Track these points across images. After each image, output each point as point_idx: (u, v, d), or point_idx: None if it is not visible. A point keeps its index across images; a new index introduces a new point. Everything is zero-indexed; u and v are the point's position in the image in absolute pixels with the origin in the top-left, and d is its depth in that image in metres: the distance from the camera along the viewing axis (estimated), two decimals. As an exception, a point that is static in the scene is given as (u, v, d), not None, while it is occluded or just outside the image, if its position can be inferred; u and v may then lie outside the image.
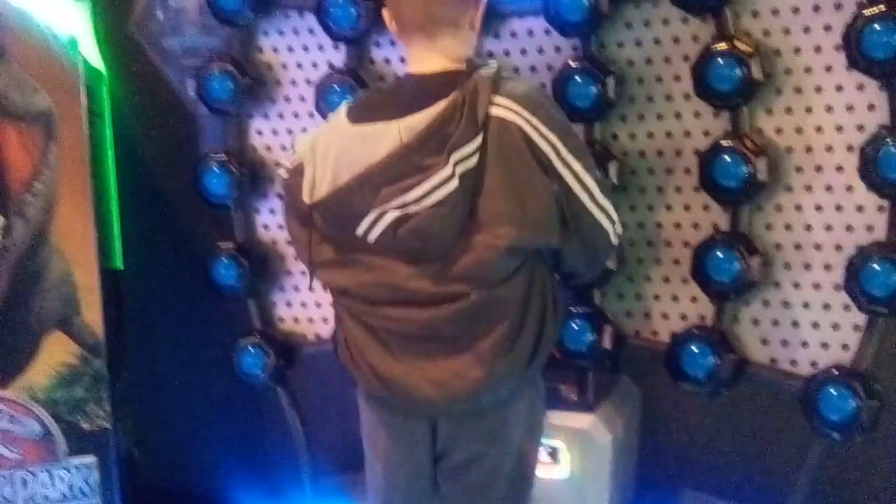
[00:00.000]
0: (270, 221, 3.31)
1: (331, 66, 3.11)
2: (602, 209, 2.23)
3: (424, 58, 2.21)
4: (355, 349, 2.35)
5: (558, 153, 2.15)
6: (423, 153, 2.09)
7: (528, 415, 2.39)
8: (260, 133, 3.27)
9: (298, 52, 3.16)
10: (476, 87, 2.11)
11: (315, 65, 3.15)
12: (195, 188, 3.24)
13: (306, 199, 2.23)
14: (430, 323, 2.21)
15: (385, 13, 2.27)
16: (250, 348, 3.25)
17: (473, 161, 2.09)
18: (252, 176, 3.23)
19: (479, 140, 2.09)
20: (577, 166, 2.17)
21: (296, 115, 3.20)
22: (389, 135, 2.12)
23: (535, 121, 2.13)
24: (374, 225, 2.14)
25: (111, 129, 3.34)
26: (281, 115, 3.23)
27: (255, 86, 3.17)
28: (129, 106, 3.39)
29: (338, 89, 3.00)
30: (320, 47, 3.13)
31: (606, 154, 2.81)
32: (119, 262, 3.36)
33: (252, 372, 3.27)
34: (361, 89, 2.97)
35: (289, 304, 3.33)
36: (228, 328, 3.34)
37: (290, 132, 3.21)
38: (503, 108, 2.12)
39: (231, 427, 3.51)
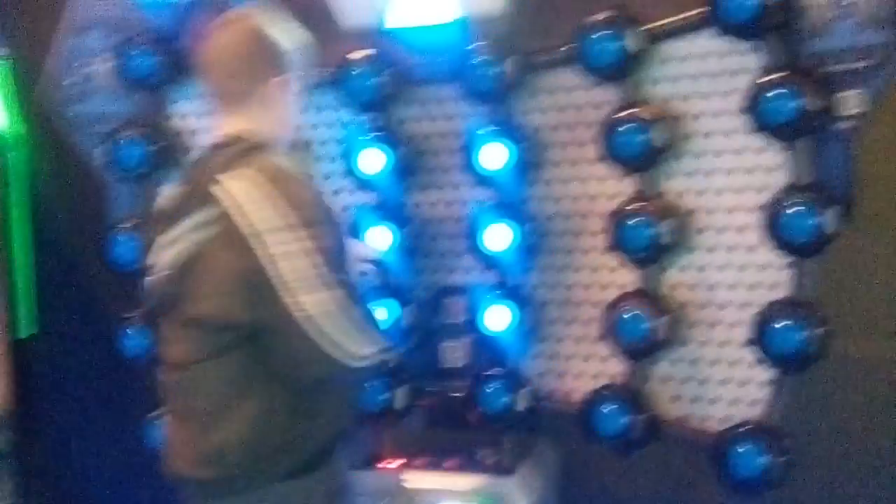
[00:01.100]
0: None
1: (242, 131, 3.10)
2: (318, 308, 2.01)
3: (217, 120, 2.23)
4: None
5: (270, 229, 2.01)
6: (173, 218, 2.15)
7: None
8: (171, 200, 3.22)
9: (209, 118, 3.12)
10: (210, 163, 2.13)
11: (227, 131, 3.13)
12: (105, 257, 3.18)
13: None
14: (168, 387, 2.25)
15: None
16: (159, 423, 3.16)
17: (196, 234, 2.10)
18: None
19: (201, 214, 2.08)
20: (277, 249, 2.00)
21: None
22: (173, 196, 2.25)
23: (254, 197, 2.03)
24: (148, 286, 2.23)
25: (22, 197, 3.26)
26: (191, 182, 3.20)
27: (165, 152, 3.14)
28: (40, 173, 3.33)
29: (209, 152, 2.98)
30: (231, 113, 3.12)
31: (518, 217, 2.85)
32: (31, 329, 3.25)
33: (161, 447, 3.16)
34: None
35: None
36: (140, 400, 3.25)
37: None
38: (225, 189, 2.06)
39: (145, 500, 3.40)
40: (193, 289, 2.12)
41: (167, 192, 2.36)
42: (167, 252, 2.15)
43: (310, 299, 2.01)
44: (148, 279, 2.22)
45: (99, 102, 3.24)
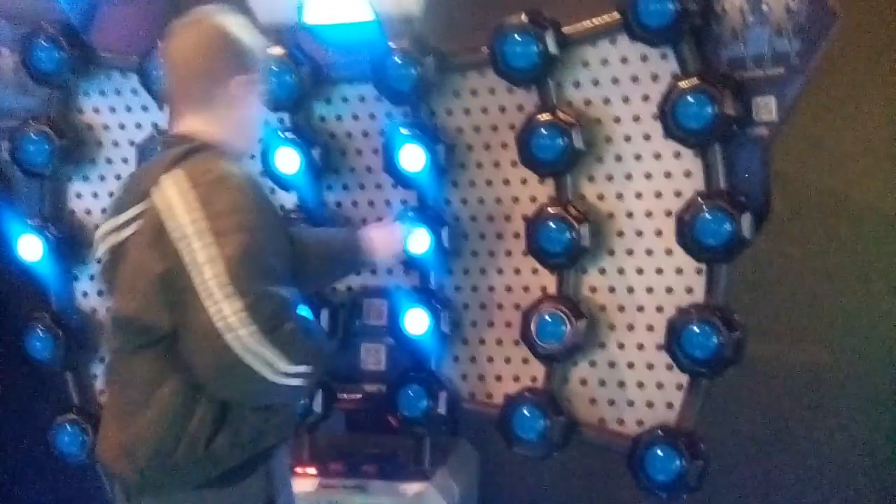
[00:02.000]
0: (90, 288, 3.17)
1: (155, 126, 3.02)
2: (224, 320, 1.92)
3: (172, 118, 2.21)
4: None
5: (183, 239, 1.97)
6: (119, 210, 2.17)
7: None
8: (79, 196, 3.14)
9: (121, 112, 3.07)
10: (155, 161, 2.16)
11: (139, 125, 3.06)
12: (9, 254, 3.07)
13: None
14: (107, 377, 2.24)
15: None
16: (68, 426, 3.07)
17: (127, 230, 2.11)
18: (71, 241, 3.09)
19: (135, 209, 2.10)
20: (201, 254, 1.95)
21: (118, 178, 3.09)
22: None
23: (189, 199, 2.00)
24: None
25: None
26: (102, 178, 3.12)
27: (73, 148, 3.05)
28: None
29: (160, 150, 2.90)
30: (144, 108, 3.04)
31: (439, 219, 2.82)
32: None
33: (70, 451, 3.08)
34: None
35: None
36: (46, 404, 3.15)
37: (111, 195, 3.08)
38: (162, 188, 2.04)
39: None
40: (118, 284, 2.12)
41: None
42: (104, 243, 2.18)
43: (229, 307, 1.92)
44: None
45: (5, 96, 3.13)
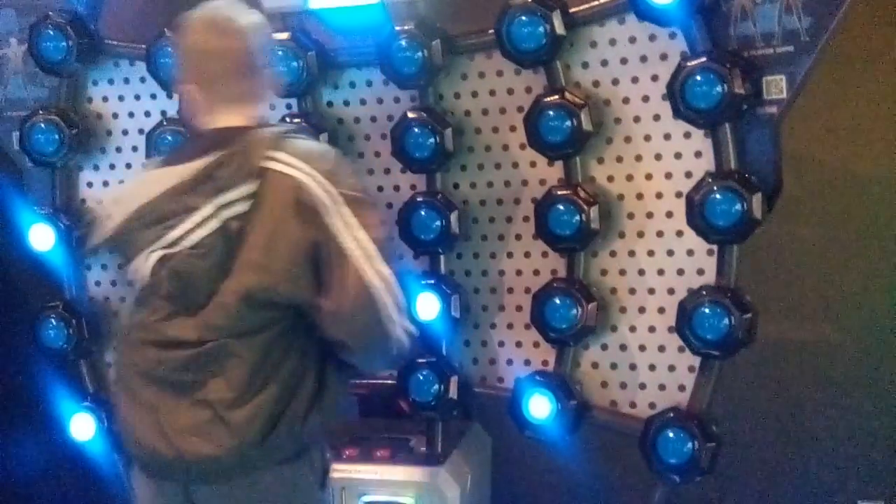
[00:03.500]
0: (103, 277, 3.18)
1: (164, 114, 3.03)
2: (383, 279, 2.09)
3: (212, 114, 2.20)
4: (119, 403, 2.31)
5: (335, 202, 2.09)
6: (191, 196, 2.12)
7: (289, 496, 2.20)
8: (90, 185, 3.15)
9: (130, 100, 3.07)
10: (253, 142, 2.14)
11: (148, 113, 3.06)
12: (21, 244, 3.08)
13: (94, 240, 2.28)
14: (164, 364, 2.14)
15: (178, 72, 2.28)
16: (84, 414, 3.09)
17: (241, 208, 2.09)
18: (83, 230, 3.09)
19: (248, 188, 2.09)
20: (352, 220, 2.09)
21: (128, 166, 3.10)
22: (166, 178, 2.16)
23: (313, 172, 2.10)
24: (142, 266, 2.16)
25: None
26: (112, 166, 3.13)
27: (83, 137, 3.06)
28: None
29: (170, 138, 2.93)
30: (153, 96, 3.05)
31: (448, 203, 2.82)
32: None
33: (86, 440, 3.09)
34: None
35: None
36: (62, 393, 3.17)
37: (122, 183, 3.10)
38: (282, 164, 2.11)
39: (66, 497, 3.33)
40: (241, 260, 2.09)
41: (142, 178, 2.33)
42: (197, 230, 2.10)
43: (377, 270, 2.07)
44: (153, 259, 2.14)
45: (14, 86, 3.13)
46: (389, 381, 2.93)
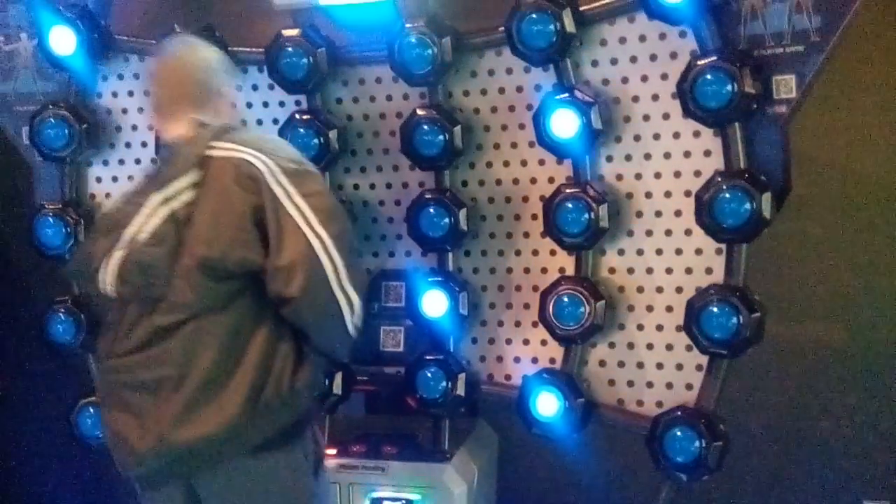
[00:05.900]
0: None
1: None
2: (321, 239, 2.19)
3: (168, 133, 2.35)
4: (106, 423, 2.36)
5: (273, 172, 2.20)
6: (140, 196, 2.27)
7: (287, 480, 2.29)
8: (99, 180, 3.15)
9: (139, 96, 3.07)
10: (196, 137, 2.28)
11: (158, 110, 3.06)
12: (30, 239, 3.09)
13: None
14: (141, 365, 2.22)
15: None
16: (91, 408, 3.09)
17: (186, 197, 2.22)
18: (91, 225, 3.09)
19: (192, 177, 2.22)
20: (291, 188, 2.20)
21: (137, 161, 3.11)
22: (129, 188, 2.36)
23: (252, 151, 2.23)
24: (107, 274, 2.24)
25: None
26: (122, 162, 3.13)
27: (92, 132, 3.06)
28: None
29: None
30: (162, 92, 3.04)
31: (456, 201, 2.82)
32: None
33: (93, 434, 3.10)
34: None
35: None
36: (70, 388, 3.18)
37: (131, 179, 3.10)
38: (223, 150, 2.25)
39: (73, 490, 3.34)
40: (193, 237, 2.20)
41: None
42: (155, 215, 2.22)
43: (315, 231, 2.18)
44: (115, 260, 2.24)
45: (24, 81, 3.14)
46: (397, 378, 2.93)
